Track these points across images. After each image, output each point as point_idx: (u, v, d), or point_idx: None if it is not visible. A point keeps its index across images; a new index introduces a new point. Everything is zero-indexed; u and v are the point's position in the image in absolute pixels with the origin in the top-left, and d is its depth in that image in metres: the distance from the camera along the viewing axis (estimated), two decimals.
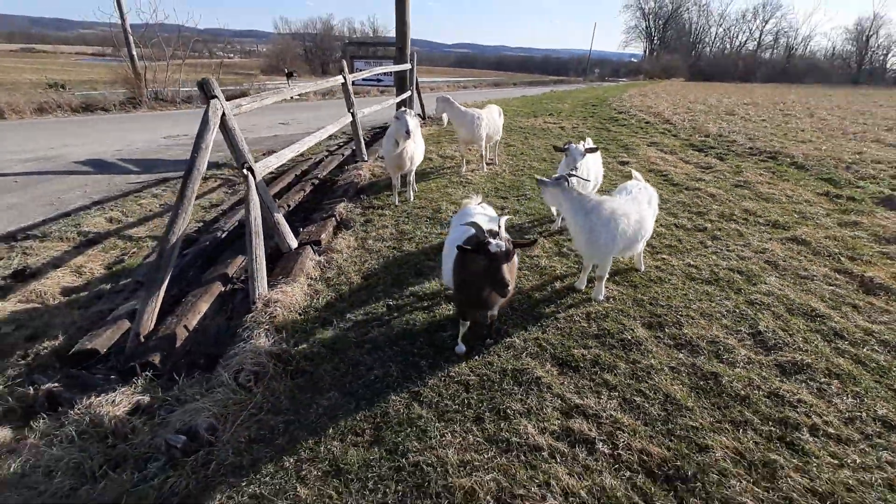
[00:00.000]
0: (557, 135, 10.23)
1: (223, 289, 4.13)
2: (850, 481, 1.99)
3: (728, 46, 51.16)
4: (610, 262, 3.31)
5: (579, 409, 2.39)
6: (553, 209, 4.83)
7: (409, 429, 2.33)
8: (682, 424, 2.29)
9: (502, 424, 2.32)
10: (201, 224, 5.46)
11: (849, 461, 2.09)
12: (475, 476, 2.03)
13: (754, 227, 4.88)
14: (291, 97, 7.90)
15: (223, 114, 3.86)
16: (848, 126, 12.06)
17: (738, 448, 2.15)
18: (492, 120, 6.66)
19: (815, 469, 2.05)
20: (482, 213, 2.98)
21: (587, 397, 2.47)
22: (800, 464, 2.08)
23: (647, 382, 2.58)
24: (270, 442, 2.38)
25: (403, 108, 5.06)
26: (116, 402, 2.75)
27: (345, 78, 7.11)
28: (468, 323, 2.89)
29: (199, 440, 2.40)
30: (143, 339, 3.37)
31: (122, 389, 2.86)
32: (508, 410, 2.41)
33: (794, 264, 4.04)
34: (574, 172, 3.40)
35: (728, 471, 2.04)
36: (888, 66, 39.98)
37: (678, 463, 2.08)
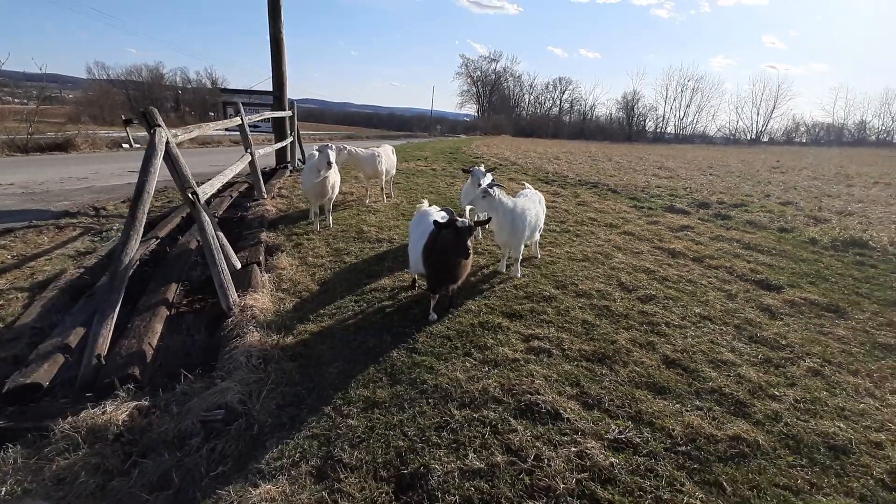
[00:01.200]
0: (433, 174, 11.71)
1: (169, 312, 4.09)
2: (691, 342, 3.32)
3: (538, 110, 62.19)
4: (522, 246, 4.45)
5: (533, 336, 3.35)
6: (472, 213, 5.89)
7: (418, 369, 2.97)
8: (597, 332, 3.43)
9: (486, 353, 3.13)
10: (83, 270, 4.99)
11: (689, 335, 3.45)
12: (482, 382, 2.79)
13: (599, 228, 6.71)
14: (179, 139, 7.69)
15: (167, 141, 4.04)
16: (634, 166, 16.32)
17: (632, 337, 3.35)
18: (388, 157, 7.63)
19: (673, 341, 3.34)
20: (437, 212, 3.85)
21: (535, 329, 3.45)
22: (664, 340, 3.35)
23: (568, 315, 3.69)
24: (300, 403, 2.76)
25: (326, 143, 5.69)
26: (109, 412, 2.77)
27: (242, 120, 7.37)
28: (437, 296, 3.65)
29: (235, 412, 2.66)
30: (102, 361, 3.30)
31: (109, 402, 2.86)
32: (487, 345, 3.23)
33: (629, 246, 5.80)
34: (495, 184, 4.50)
35: (629, 349, 3.19)
36: (647, 128, 54.09)
37: (602, 351, 3.17)
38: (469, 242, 3.22)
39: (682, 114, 53.23)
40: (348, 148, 7.15)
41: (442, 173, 12.13)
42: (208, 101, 45.98)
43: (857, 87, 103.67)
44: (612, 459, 2.21)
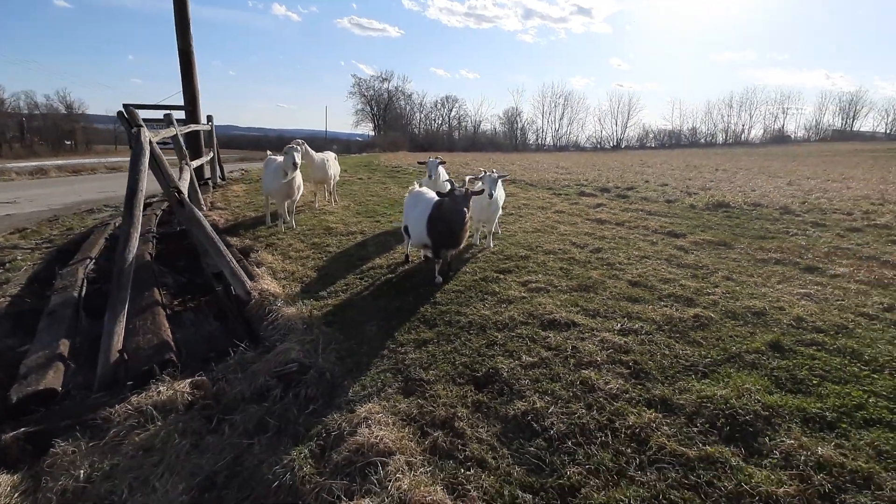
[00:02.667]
0: (362, 182, 12.05)
1: (167, 312, 4.03)
2: (642, 271, 4.30)
3: (431, 126, 64.61)
4: (496, 221, 5.17)
5: (528, 281, 4.05)
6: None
7: (448, 314, 3.48)
8: (574, 273, 4.25)
9: (498, 296, 3.75)
10: (10, 297, 4.54)
11: (638, 267, 4.44)
12: (506, 313, 3.41)
13: (534, 210, 7.75)
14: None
15: (150, 140, 4.03)
16: (536, 167, 18.27)
17: (601, 273, 4.23)
18: (334, 162, 7.90)
19: (630, 272, 4.29)
20: (429, 191, 4.37)
21: (527, 277, 4.16)
22: (624, 272, 4.28)
23: (546, 266, 4.48)
24: (356, 353, 3.11)
25: (291, 145, 5.85)
26: (164, 391, 2.86)
27: (177, 132, 7.10)
28: (440, 261, 4.17)
29: (304, 364, 2.92)
30: (125, 356, 3.30)
31: (156, 385, 2.92)
32: (495, 291, 3.85)
33: (565, 220, 6.87)
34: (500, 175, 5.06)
35: (602, 280, 4.05)
36: (528, 140, 59.73)
37: (584, 284, 3.98)
38: (466, 208, 3.83)
39: (557, 126, 59.63)
40: (306, 147, 7.30)
41: (370, 181, 12.50)
42: (62, 127, 39.99)
43: (687, 99, 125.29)
44: (624, 339, 2.97)
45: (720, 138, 59.82)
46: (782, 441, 2.05)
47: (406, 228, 4.35)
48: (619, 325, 3.20)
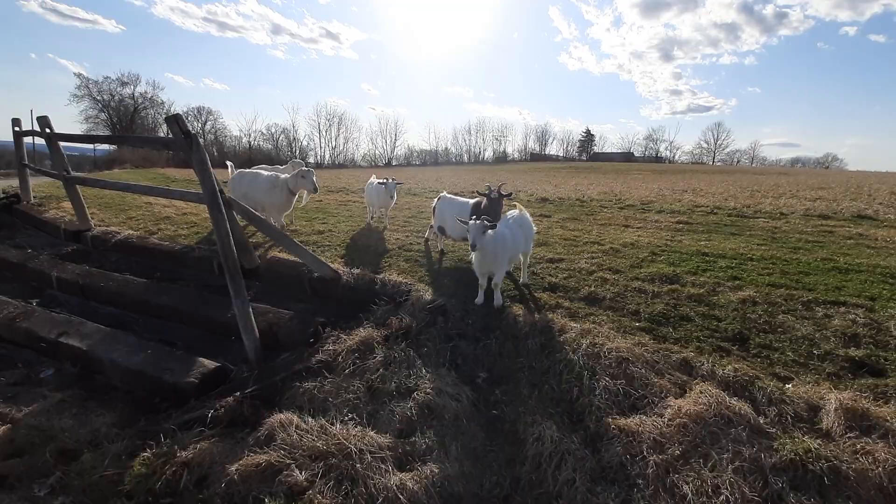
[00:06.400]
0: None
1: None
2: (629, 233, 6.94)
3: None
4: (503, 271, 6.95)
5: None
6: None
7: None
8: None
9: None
10: None
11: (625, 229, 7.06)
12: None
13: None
14: None
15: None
16: (346, 181, 19.93)
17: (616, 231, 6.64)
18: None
19: (636, 230, 6.84)
20: (456, 197, 5.79)
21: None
22: (627, 231, 6.81)
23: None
24: (454, 295, 4.59)
25: (308, 169, 6.29)
26: (363, 332, 3.83)
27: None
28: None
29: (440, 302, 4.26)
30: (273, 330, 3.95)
31: (330, 339, 3.78)
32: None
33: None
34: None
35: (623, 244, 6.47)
36: (307, 157, 60.33)
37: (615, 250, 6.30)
38: (500, 207, 5.43)
39: (334, 144, 61.75)
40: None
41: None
42: None
43: (439, 124, 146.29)
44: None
45: (465, 158, 73.14)
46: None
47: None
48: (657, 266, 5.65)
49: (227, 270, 3.79)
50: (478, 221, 3.96)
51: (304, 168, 6.29)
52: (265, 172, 6.58)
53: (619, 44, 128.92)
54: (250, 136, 56.32)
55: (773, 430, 2.72)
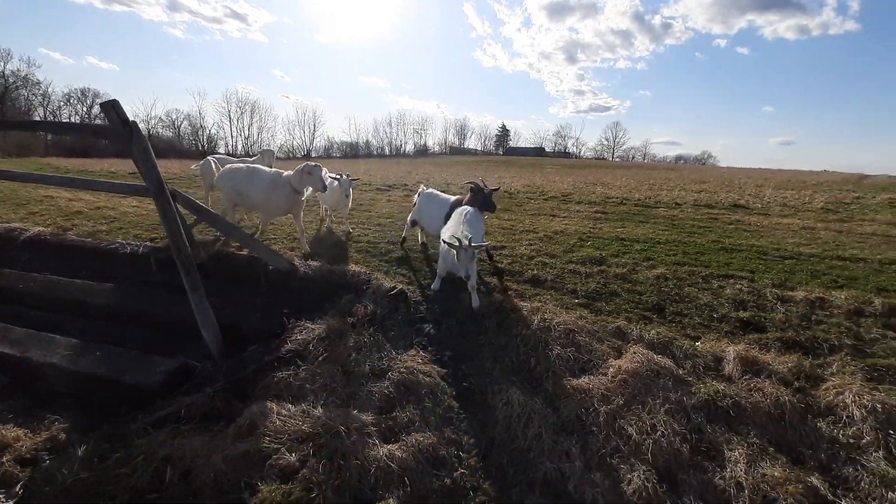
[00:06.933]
0: None
1: None
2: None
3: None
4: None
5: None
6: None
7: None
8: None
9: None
10: None
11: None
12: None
13: (376, 192, 9.72)
14: None
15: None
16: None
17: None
18: None
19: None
20: (437, 191, 5.86)
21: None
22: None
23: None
24: (412, 282, 4.85)
25: (315, 164, 5.44)
26: (329, 322, 3.99)
27: None
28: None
29: (400, 289, 4.50)
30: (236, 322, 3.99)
31: (299, 328, 3.91)
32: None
33: (405, 205, 9.26)
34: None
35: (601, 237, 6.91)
36: (217, 147, 55.62)
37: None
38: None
39: (247, 133, 57.73)
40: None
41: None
42: None
43: (360, 115, 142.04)
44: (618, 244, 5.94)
45: (386, 151, 72.44)
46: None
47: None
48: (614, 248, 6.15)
49: (181, 265, 3.66)
50: (466, 244, 3.86)
51: (310, 164, 5.40)
52: (267, 168, 5.64)
53: (529, 44, 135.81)
54: (149, 122, 50.72)
55: (690, 378, 3.34)
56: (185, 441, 2.76)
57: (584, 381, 3.32)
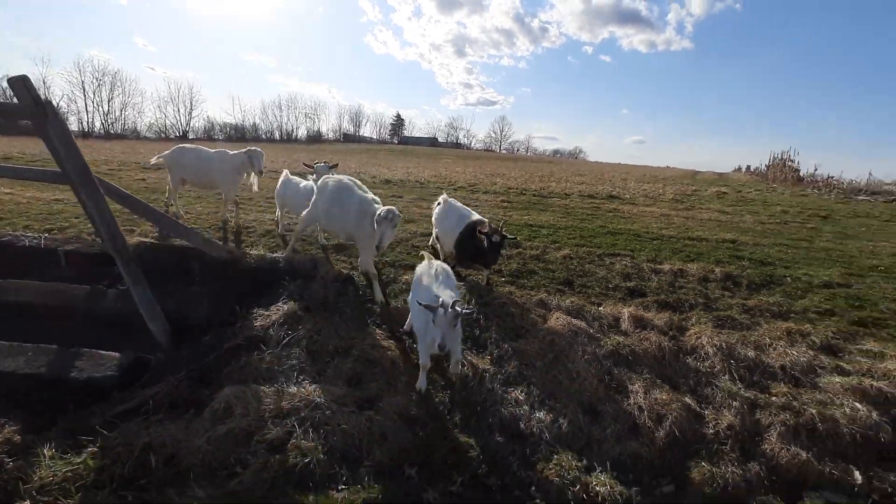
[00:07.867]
0: None
1: None
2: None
3: None
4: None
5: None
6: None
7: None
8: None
9: None
10: None
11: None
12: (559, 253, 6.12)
13: None
14: None
15: None
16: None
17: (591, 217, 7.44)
18: None
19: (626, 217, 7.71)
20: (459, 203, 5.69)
21: None
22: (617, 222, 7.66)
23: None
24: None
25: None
26: (283, 307, 4.17)
27: None
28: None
29: (342, 273, 4.75)
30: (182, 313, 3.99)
31: (256, 316, 4.10)
32: None
33: None
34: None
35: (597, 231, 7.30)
36: (70, 124, 46.29)
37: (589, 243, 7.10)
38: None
39: (107, 109, 49.22)
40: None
41: None
42: None
43: (245, 96, 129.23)
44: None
45: (276, 135, 67.71)
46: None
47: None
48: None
49: (119, 258, 3.46)
50: (450, 310, 2.93)
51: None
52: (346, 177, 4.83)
53: (420, 34, 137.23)
54: None
55: (599, 335, 4.20)
56: (160, 429, 2.76)
57: (521, 343, 3.97)
